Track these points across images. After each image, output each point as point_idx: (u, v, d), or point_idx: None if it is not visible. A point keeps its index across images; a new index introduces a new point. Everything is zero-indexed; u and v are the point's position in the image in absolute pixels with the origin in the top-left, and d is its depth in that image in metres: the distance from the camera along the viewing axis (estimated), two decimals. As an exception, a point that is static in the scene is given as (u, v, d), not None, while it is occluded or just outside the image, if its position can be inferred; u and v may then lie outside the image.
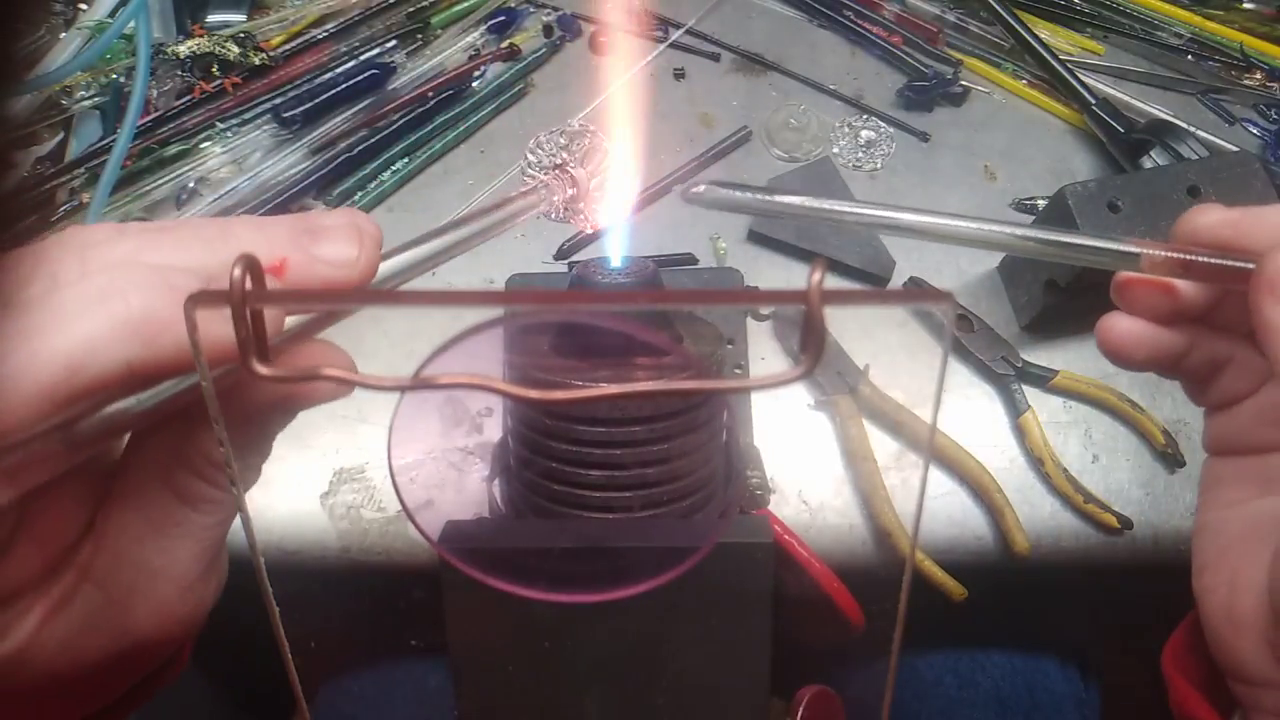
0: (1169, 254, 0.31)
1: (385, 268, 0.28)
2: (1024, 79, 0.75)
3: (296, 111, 0.70)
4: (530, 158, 0.37)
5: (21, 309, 0.22)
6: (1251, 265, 0.30)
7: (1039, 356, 0.62)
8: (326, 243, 0.26)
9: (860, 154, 0.71)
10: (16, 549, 0.25)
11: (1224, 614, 0.32)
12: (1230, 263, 0.30)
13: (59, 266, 0.23)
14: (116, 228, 0.25)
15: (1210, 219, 0.32)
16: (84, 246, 0.24)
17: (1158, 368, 0.35)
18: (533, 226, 0.42)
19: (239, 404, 0.26)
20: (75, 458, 0.23)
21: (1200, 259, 0.31)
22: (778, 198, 0.33)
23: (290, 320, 0.26)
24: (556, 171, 0.36)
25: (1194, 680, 0.35)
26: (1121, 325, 0.34)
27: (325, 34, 0.75)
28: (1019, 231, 0.32)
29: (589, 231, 0.38)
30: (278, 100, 0.71)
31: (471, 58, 0.75)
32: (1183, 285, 0.33)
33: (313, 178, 0.68)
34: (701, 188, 0.33)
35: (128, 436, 0.27)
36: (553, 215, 0.38)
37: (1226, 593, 0.32)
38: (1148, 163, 0.66)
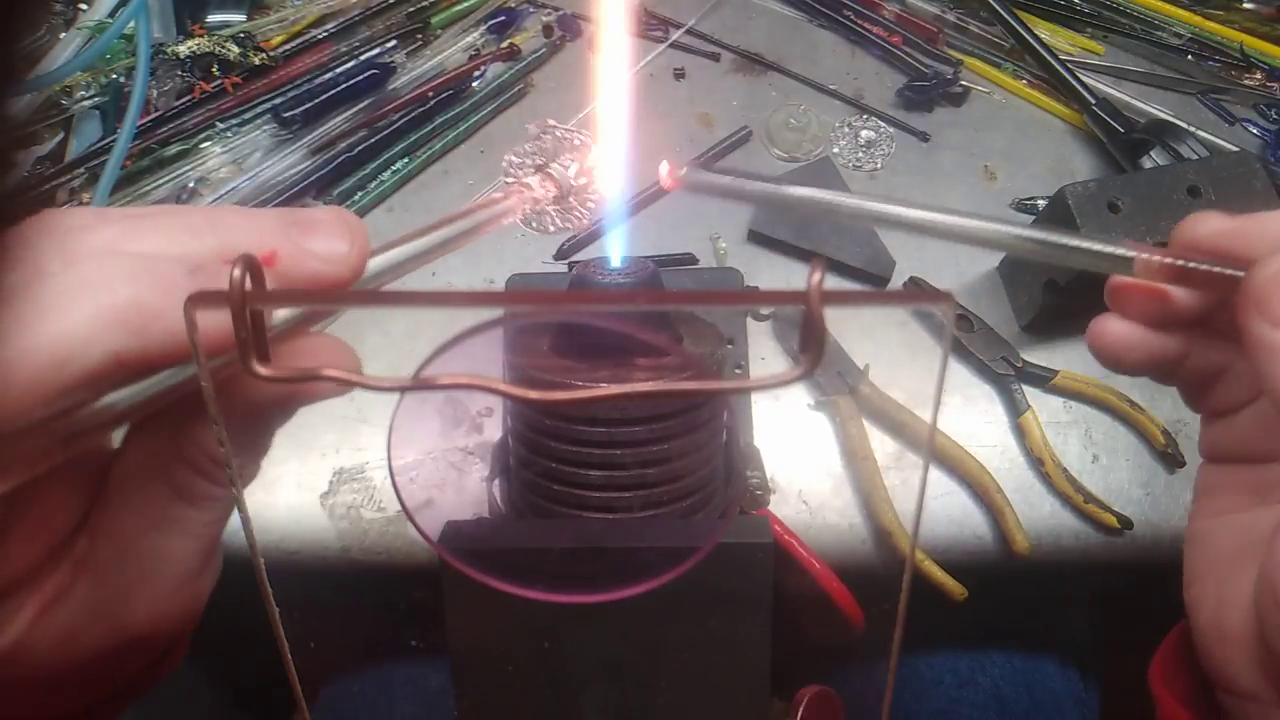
0: (1164, 260, 0.30)
1: (372, 265, 0.28)
2: (1024, 79, 0.75)
3: (296, 111, 0.70)
4: (514, 159, 0.37)
5: (3, 299, 0.21)
6: (1242, 274, 0.28)
7: (1039, 356, 0.62)
8: (317, 237, 0.26)
9: (860, 154, 0.71)
10: (8, 543, 0.25)
11: (1214, 628, 0.31)
12: (1223, 270, 0.29)
13: (41, 255, 0.22)
14: (97, 213, 0.24)
15: (1210, 227, 0.31)
16: (65, 232, 0.23)
17: (1152, 373, 0.34)
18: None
19: (238, 401, 0.26)
20: (67, 452, 0.23)
21: (1194, 265, 0.29)
22: (759, 185, 0.32)
23: (280, 314, 0.25)
24: (538, 173, 0.35)
25: (1181, 697, 0.34)
26: (1114, 328, 0.33)
27: (325, 34, 0.75)
28: (1012, 230, 0.31)
29: (559, 229, 0.37)
30: (278, 100, 0.71)
31: (471, 58, 0.75)
32: (1177, 291, 0.32)
33: (313, 178, 0.68)
34: (684, 169, 0.32)
35: (125, 430, 0.27)
36: (533, 224, 0.37)
37: (1215, 606, 0.31)
38: (1148, 163, 0.66)
